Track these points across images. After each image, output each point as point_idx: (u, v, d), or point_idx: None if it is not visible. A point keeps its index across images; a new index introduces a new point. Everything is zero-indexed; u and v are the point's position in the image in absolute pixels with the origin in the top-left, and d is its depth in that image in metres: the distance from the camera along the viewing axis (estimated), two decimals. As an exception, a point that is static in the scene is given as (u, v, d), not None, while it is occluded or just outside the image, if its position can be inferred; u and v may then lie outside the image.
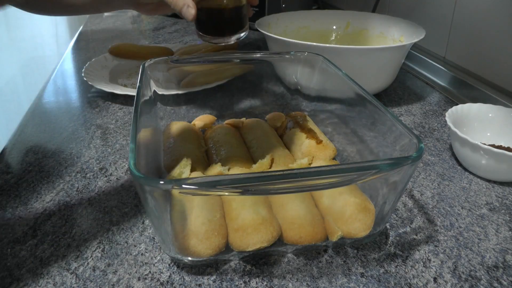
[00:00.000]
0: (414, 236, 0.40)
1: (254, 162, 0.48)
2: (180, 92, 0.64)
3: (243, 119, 0.58)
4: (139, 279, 0.35)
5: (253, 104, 0.67)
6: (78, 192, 0.46)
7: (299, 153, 0.50)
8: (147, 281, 0.35)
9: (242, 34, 0.54)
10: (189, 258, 0.35)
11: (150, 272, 0.35)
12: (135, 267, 0.36)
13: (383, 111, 0.40)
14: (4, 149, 0.55)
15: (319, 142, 0.49)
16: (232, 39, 0.54)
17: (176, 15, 1.31)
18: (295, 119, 0.55)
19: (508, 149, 0.49)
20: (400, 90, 0.76)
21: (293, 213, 0.37)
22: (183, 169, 0.42)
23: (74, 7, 0.63)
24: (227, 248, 0.36)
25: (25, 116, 0.65)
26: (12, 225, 0.41)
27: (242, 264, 0.36)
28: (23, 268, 0.36)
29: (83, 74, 0.73)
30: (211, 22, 0.52)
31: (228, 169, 0.44)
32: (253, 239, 0.34)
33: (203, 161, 0.47)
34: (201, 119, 0.57)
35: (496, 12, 0.66)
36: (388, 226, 0.41)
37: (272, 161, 0.47)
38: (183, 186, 0.29)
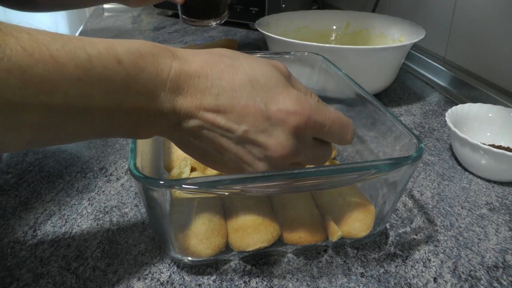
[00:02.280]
0: (414, 236, 0.40)
1: (254, 162, 0.48)
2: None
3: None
4: (139, 279, 0.35)
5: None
6: (78, 192, 0.46)
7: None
8: (147, 281, 0.35)
9: (223, 20, 0.58)
10: (189, 258, 0.35)
11: (150, 272, 0.35)
12: (135, 267, 0.36)
13: (383, 111, 0.40)
14: (4, 149, 0.55)
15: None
16: (214, 23, 0.58)
17: (176, 15, 1.31)
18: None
19: (508, 149, 0.49)
20: (400, 90, 0.76)
21: (293, 213, 0.37)
22: (183, 169, 0.42)
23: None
24: (227, 248, 0.36)
25: (25, 116, 0.65)
26: (12, 225, 0.41)
27: (242, 264, 0.36)
28: (23, 268, 0.36)
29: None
30: (196, 7, 0.55)
31: (228, 169, 0.44)
32: (253, 239, 0.34)
33: (203, 161, 0.47)
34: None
35: (496, 12, 0.66)
36: (388, 226, 0.41)
37: (272, 161, 0.47)
38: (183, 186, 0.29)
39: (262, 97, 0.29)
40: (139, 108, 0.27)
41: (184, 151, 0.32)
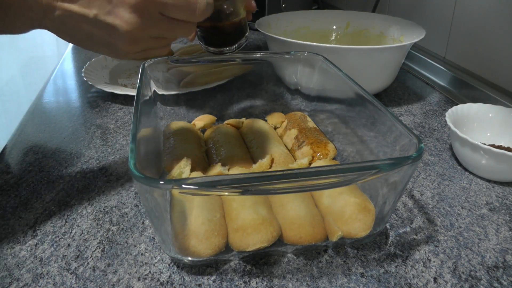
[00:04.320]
0: (414, 236, 0.40)
1: (254, 162, 0.48)
2: (180, 92, 0.64)
3: (243, 119, 0.58)
4: (139, 279, 0.35)
5: (253, 104, 0.67)
6: (78, 192, 0.46)
7: (299, 153, 0.50)
8: (147, 281, 0.35)
9: (243, 41, 0.56)
10: (189, 258, 0.35)
11: (150, 272, 0.35)
12: (135, 267, 0.36)
13: (383, 111, 0.40)
14: (4, 149, 0.55)
15: (319, 142, 0.49)
16: (234, 48, 0.55)
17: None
18: (295, 119, 0.55)
19: (508, 149, 0.49)
20: (400, 90, 0.76)
21: (293, 213, 0.37)
22: (183, 169, 0.42)
23: None
24: (227, 248, 0.36)
25: (25, 116, 0.65)
26: (12, 225, 0.41)
27: (242, 264, 0.36)
28: (23, 268, 0.36)
29: (83, 74, 0.73)
30: (212, 37, 0.53)
31: (228, 169, 0.44)
32: (253, 239, 0.34)
33: (203, 161, 0.47)
34: (201, 119, 0.57)
35: (496, 12, 0.66)
36: (388, 226, 0.41)
37: (272, 161, 0.47)
38: (183, 186, 0.29)
39: None
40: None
41: (62, 37, 0.39)
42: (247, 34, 0.55)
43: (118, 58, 0.42)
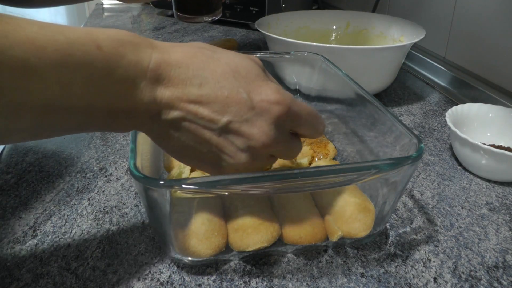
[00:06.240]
0: (414, 236, 0.40)
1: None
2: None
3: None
4: (139, 279, 0.35)
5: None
6: (78, 192, 0.46)
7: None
8: (147, 281, 0.35)
9: (216, 16, 0.60)
10: (189, 258, 0.35)
11: (150, 272, 0.35)
12: (135, 267, 0.36)
13: (383, 111, 0.40)
14: (4, 149, 0.55)
15: (319, 142, 0.49)
16: (208, 19, 0.59)
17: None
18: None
19: (508, 149, 0.49)
20: (400, 90, 0.76)
21: (293, 213, 0.37)
22: (183, 169, 0.42)
23: None
24: (227, 248, 0.36)
25: (25, 116, 0.65)
26: (12, 225, 0.41)
27: (242, 264, 0.36)
28: (23, 268, 0.36)
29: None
30: (189, 3, 0.57)
31: (228, 169, 0.44)
32: (253, 239, 0.34)
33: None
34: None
35: (496, 13, 0.66)
36: (388, 226, 0.41)
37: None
38: (183, 186, 0.29)
39: (245, 88, 0.29)
40: (119, 98, 0.27)
41: (161, 146, 0.32)
42: (220, 9, 0.60)
43: (216, 175, 0.33)
